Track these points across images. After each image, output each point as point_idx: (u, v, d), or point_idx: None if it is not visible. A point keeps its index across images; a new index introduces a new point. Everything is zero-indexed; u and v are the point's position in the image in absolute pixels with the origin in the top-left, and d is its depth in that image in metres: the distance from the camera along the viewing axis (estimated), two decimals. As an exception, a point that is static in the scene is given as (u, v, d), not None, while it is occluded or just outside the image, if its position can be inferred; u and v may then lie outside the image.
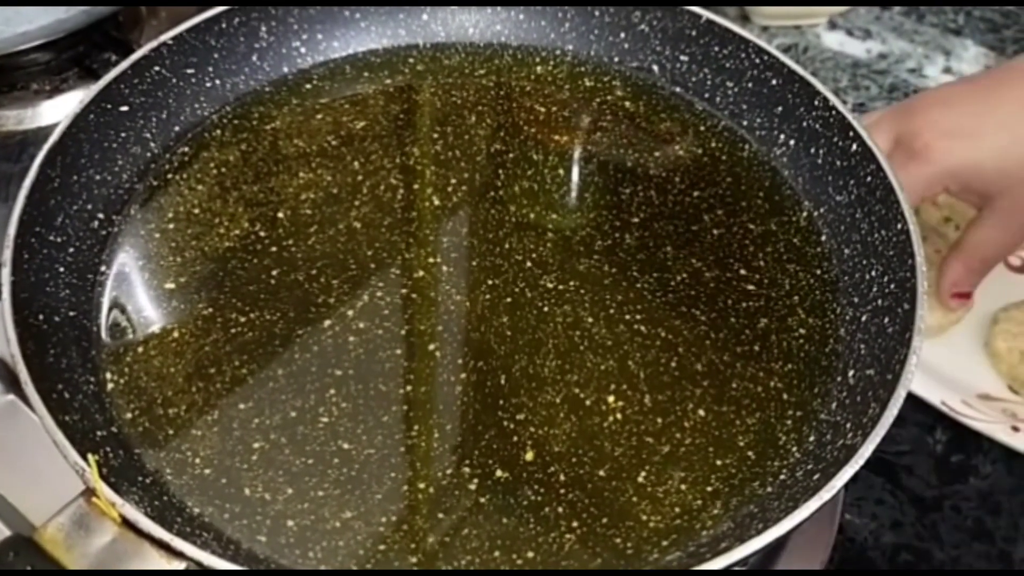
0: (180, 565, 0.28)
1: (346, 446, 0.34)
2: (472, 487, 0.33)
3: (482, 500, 0.33)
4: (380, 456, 0.34)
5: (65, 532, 0.28)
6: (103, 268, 0.39)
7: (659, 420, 0.35)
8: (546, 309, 0.38)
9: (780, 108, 0.45)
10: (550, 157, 0.45)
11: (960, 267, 0.45)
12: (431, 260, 0.40)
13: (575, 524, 0.32)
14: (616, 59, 0.49)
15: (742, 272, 0.40)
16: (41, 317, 0.35)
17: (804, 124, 0.44)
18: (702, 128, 0.46)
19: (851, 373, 0.36)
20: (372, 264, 0.40)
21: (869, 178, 0.40)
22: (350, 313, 0.38)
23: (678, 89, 0.48)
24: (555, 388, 0.36)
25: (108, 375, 0.35)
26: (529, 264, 0.40)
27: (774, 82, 0.45)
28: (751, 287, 0.40)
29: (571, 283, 0.39)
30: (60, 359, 0.34)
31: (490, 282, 0.39)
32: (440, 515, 0.32)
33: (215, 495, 0.32)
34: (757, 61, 0.45)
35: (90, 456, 0.29)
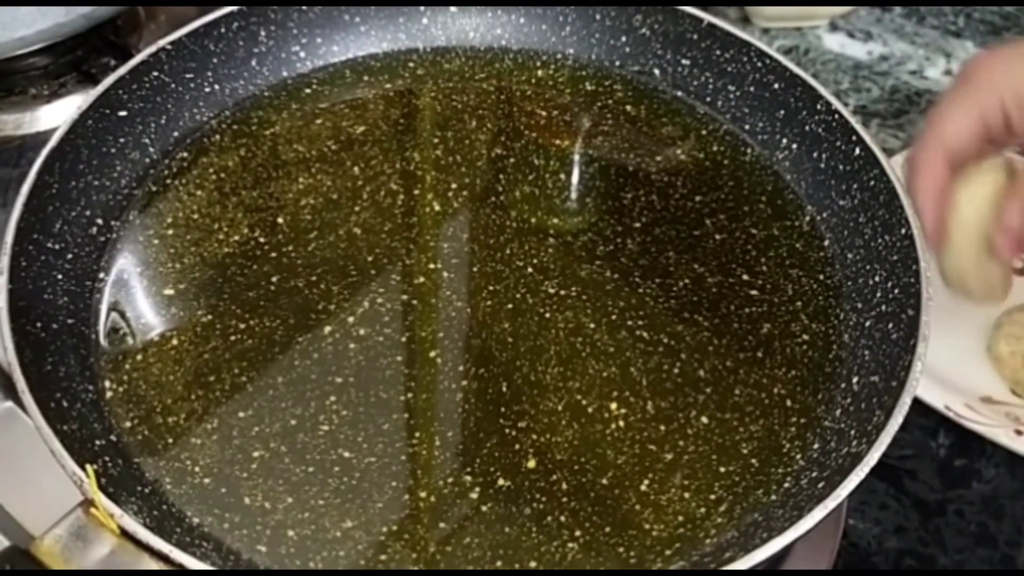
0: None
1: (347, 454, 0.33)
2: (474, 495, 0.33)
3: (484, 509, 0.32)
4: (381, 464, 0.33)
5: (63, 544, 0.28)
6: (102, 275, 0.38)
7: (662, 427, 0.35)
8: (547, 315, 0.38)
9: (782, 112, 0.44)
10: (551, 161, 0.45)
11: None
12: (432, 266, 0.40)
13: (578, 533, 0.32)
14: (617, 63, 0.49)
15: (744, 277, 0.40)
16: (39, 325, 0.34)
17: (806, 128, 0.43)
18: (704, 132, 0.46)
19: (855, 379, 0.36)
20: (372, 270, 0.39)
21: (872, 182, 0.40)
22: (350, 319, 0.37)
23: (679, 93, 0.47)
24: (557, 395, 0.35)
25: (107, 383, 0.35)
26: (530, 270, 0.40)
27: (776, 86, 0.44)
28: (754, 292, 0.39)
29: (573, 289, 0.39)
30: (58, 367, 0.34)
31: (491, 288, 0.39)
32: (441, 524, 0.32)
33: (215, 504, 0.32)
34: (759, 64, 0.45)
35: (88, 466, 0.29)
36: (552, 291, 0.39)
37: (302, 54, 0.47)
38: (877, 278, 0.38)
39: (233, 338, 0.36)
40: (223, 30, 0.45)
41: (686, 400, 0.36)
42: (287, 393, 0.35)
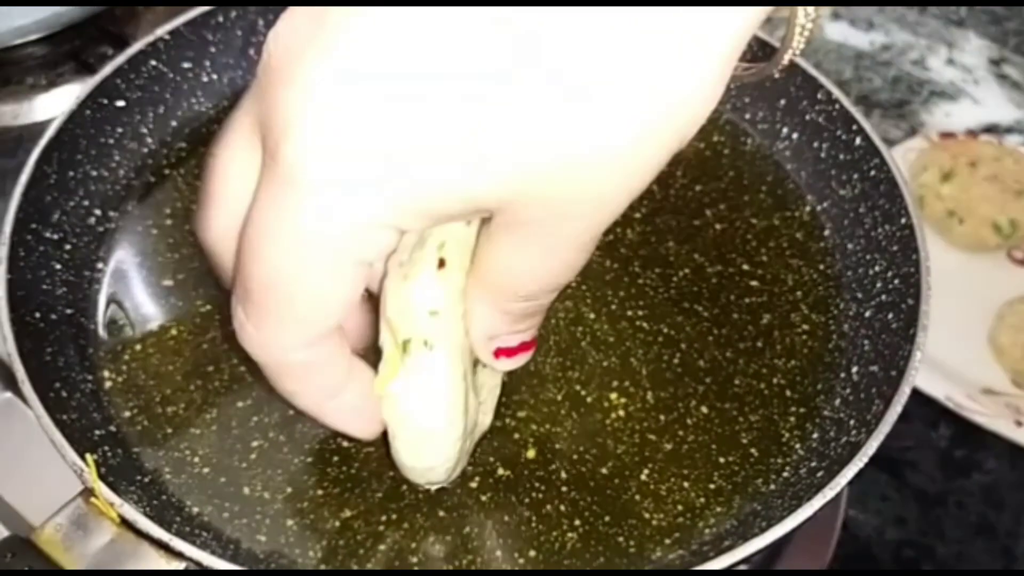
0: (179, 565, 0.28)
1: (345, 444, 0.33)
2: (473, 485, 0.33)
3: (483, 498, 0.32)
4: (380, 454, 0.33)
5: (63, 533, 0.28)
6: (100, 265, 0.38)
7: (661, 417, 0.35)
8: (547, 305, 0.38)
9: (783, 101, 0.44)
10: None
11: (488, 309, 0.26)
12: (431, 256, 0.40)
13: (577, 522, 0.32)
14: (617, 52, 0.48)
15: (745, 267, 0.40)
16: (38, 315, 0.34)
17: (807, 117, 0.43)
18: (704, 122, 0.46)
19: (855, 369, 0.36)
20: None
21: (873, 172, 0.40)
22: (350, 310, 0.37)
23: (680, 82, 0.47)
24: (556, 385, 0.35)
25: (106, 373, 0.35)
26: (530, 260, 0.39)
27: (776, 75, 0.44)
28: (754, 283, 0.39)
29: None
30: (57, 357, 0.34)
31: (491, 278, 0.39)
32: (441, 513, 0.32)
33: (214, 494, 0.32)
34: (759, 54, 0.45)
35: (88, 456, 0.29)
36: (552, 281, 0.39)
37: (301, 44, 0.47)
38: (877, 268, 0.38)
39: (232, 328, 0.36)
40: (221, 19, 0.44)
41: (686, 390, 0.36)
42: (286, 383, 0.35)
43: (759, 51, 0.42)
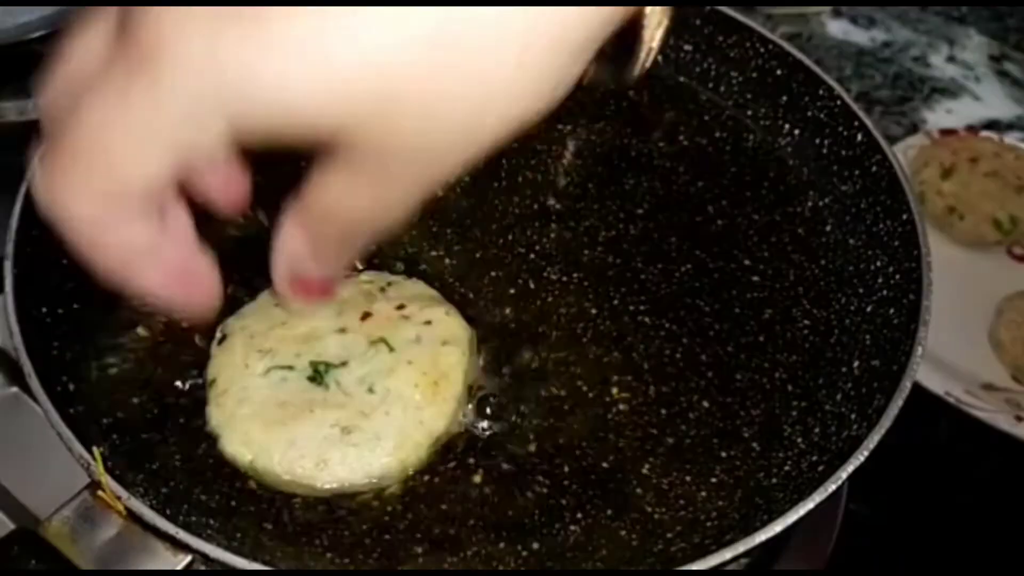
0: (186, 558, 0.28)
1: (350, 438, 0.34)
2: (477, 479, 0.33)
3: (487, 491, 0.33)
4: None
5: (70, 525, 0.28)
6: (106, 260, 0.38)
7: (663, 412, 0.35)
8: (550, 300, 0.38)
9: (785, 97, 0.44)
10: (553, 147, 0.45)
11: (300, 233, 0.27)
12: (433, 252, 0.40)
13: (580, 515, 0.32)
14: (619, 48, 0.48)
15: (746, 263, 0.40)
16: (44, 309, 0.34)
17: (809, 113, 0.43)
18: (706, 118, 0.46)
19: (856, 364, 0.36)
20: (375, 258, 0.39)
21: (875, 168, 0.40)
22: (353, 305, 0.37)
23: (682, 78, 0.47)
24: (559, 380, 0.36)
25: (112, 362, 0.35)
26: (532, 255, 0.40)
27: (779, 71, 0.44)
28: (755, 278, 0.39)
29: (575, 274, 0.39)
30: (64, 351, 0.34)
31: (493, 274, 0.39)
32: (444, 506, 0.32)
33: (221, 483, 0.32)
34: (762, 50, 0.45)
35: (95, 449, 0.29)
36: (554, 277, 0.39)
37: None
38: (879, 263, 0.39)
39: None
40: (225, 16, 0.45)
41: (687, 385, 0.36)
42: (291, 377, 0.35)
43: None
